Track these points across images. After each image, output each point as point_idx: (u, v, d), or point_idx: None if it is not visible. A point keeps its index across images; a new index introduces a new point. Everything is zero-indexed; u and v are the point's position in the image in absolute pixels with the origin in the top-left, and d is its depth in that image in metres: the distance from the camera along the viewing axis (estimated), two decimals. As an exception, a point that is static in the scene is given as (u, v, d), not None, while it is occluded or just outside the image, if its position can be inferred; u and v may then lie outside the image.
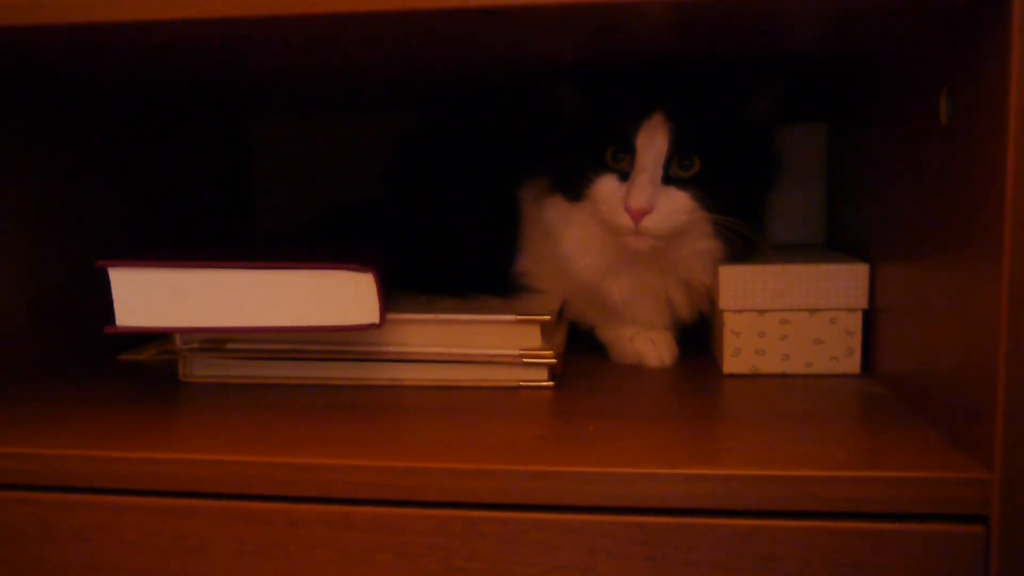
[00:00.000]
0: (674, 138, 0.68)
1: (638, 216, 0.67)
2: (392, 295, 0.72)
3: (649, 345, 0.76)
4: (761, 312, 0.71)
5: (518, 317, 0.69)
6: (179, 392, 0.71)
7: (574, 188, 0.72)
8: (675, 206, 0.69)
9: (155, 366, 0.78)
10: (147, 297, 0.64)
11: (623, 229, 0.69)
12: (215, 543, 0.55)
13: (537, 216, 0.78)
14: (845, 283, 0.70)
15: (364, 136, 1.11)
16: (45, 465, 0.57)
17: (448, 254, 0.84)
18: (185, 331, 0.69)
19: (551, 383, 0.69)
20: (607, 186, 0.70)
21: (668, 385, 0.71)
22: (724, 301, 0.71)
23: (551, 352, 0.69)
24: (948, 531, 0.49)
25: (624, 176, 0.69)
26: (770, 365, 0.71)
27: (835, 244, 0.83)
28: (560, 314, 0.77)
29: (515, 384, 0.70)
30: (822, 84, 0.82)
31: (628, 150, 0.69)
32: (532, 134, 0.80)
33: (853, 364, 0.70)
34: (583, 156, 0.71)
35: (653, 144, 0.68)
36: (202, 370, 0.73)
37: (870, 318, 0.70)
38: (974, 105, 0.51)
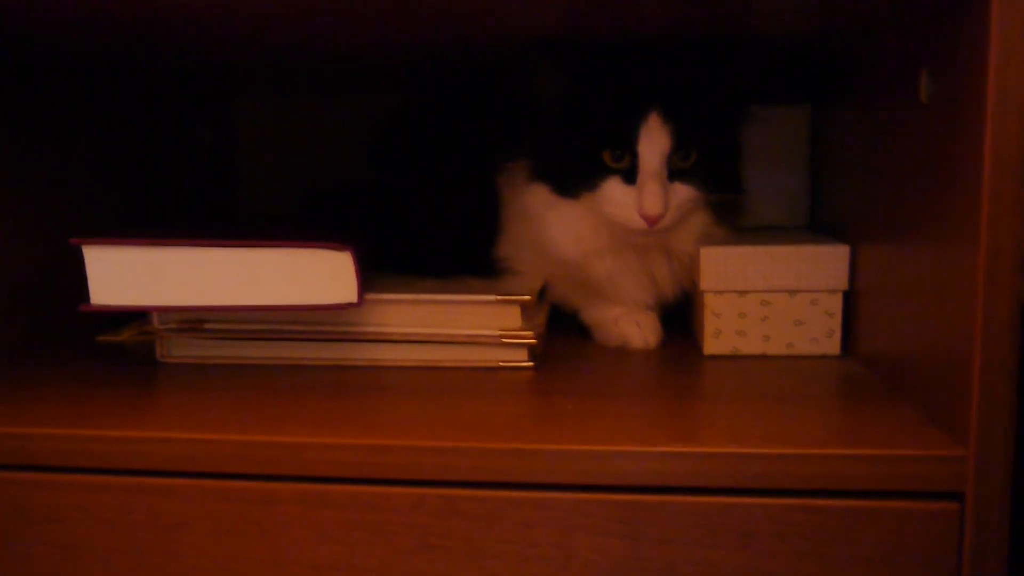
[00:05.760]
0: (674, 137, 0.68)
1: (654, 221, 0.68)
2: (374, 276, 0.72)
3: (634, 327, 0.76)
4: (742, 293, 0.71)
5: (498, 297, 0.68)
6: (156, 372, 0.70)
7: (569, 186, 0.72)
8: (681, 200, 0.70)
9: (133, 347, 0.77)
10: (122, 275, 0.64)
11: (636, 230, 0.69)
12: (191, 522, 0.55)
13: (517, 201, 0.78)
14: (826, 264, 0.70)
15: (348, 118, 1.10)
16: (18, 444, 0.56)
17: (430, 236, 0.84)
18: (161, 310, 0.69)
19: (531, 363, 0.69)
20: (615, 190, 0.69)
21: (648, 366, 0.71)
22: (705, 282, 0.71)
23: (531, 332, 0.69)
24: (923, 508, 0.50)
25: (627, 176, 0.69)
26: (751, 346, 0.71)
27: (817, 227, 0.83)
28: (541, 295, 0.77)
29: (495, 364, 0.69)
30: (805, 65, 0.82)
31: (627, 149, 0.69)
32: (512, 120, 0.79)
33: (833, 345, 0.71)
34: (577, 154, 0.71)
35: (655, 146, 0.68)
36: (180, 350, 0.73)
37: (850, 299, 0.70)
38: (954, 84, 0.51)
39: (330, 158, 1.11)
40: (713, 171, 0.71)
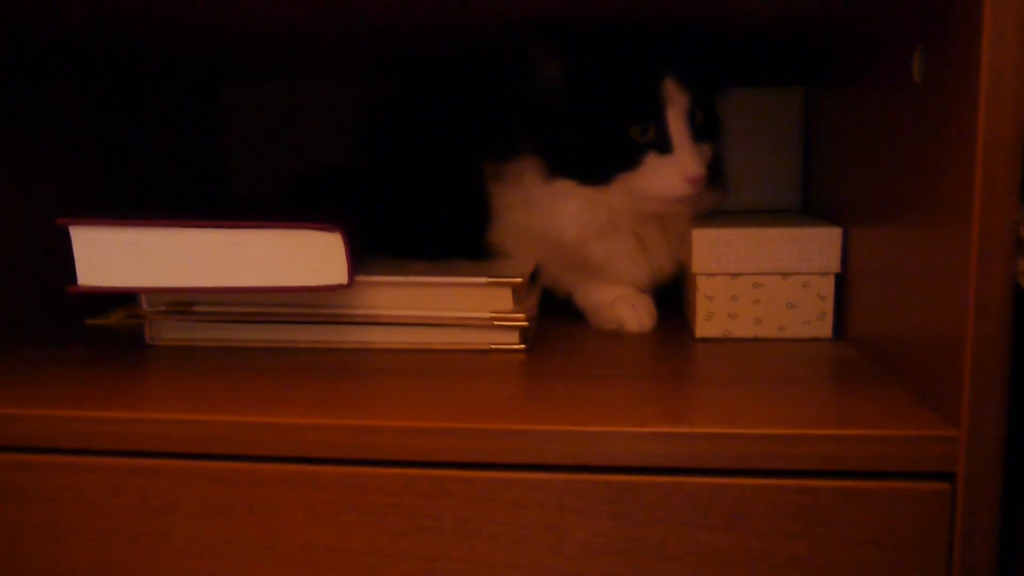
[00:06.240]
0: (689, 99, 0.70)
1: (700, 181, 0.69)
2: (364, 259, 0.72)
3: (630, 309, 0.76)
4: (734, 276, 0.71)
5: (489, 279, 0.68)
6: (145, 355, 0.70)
7: (601, 173, 0.71)
8: (707, 157, 0.72)
9: (122, 330, 0.77)
10: (110, 257, 0.63)
11: (680, 198, 0.70)
12: (180, 503, 0.55)
13: (517, 192, 0.76)
14: (818, 247, 0.69)
15: (338, 101, 1.09)
16: (7, 425, 0.56)
17: (421, 220, 0.83)
18: (149, 291, 0.68)
19: (522, 346, 0.69)
20: (654, 163, 0.70)
21: (640, 349, 0.71)
22: (697, 264, 0.71)
23: (523, 315, 0.68)
24: (915, 488, 0.49)
25: (659, 147, 0.70)
26: (742, 329, 0.71)
27: (810, 209, 0.83)
28: (533, 278, 0.77)
29: (486, 347, 0.69)
30: (797, 46, 0.82)
31: (651, 120, 0.70)
32: (508, 113, 0.77)
33: (825, 328, 0.70)
34: (604, 139, 0.70)
35: (679, 111, 0.70)
36: (169, 333, 0.72)
37: (843, 282, 0.70)
38: (947, 63, 0.51)
39: (320, 141, 1.11)
40: (713, 130, 0.74)
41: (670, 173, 0.69)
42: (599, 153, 0.71)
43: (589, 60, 0.71)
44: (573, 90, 0.71)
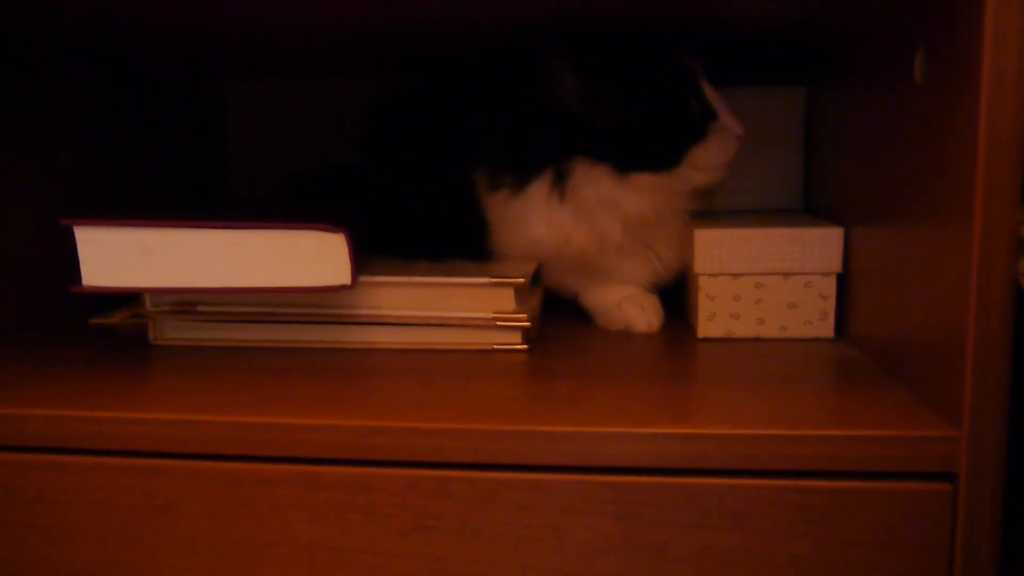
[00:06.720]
0: (703, 70, 0.74)
1: (744, 139, 0.73)
2: (367, 259, 0.72)
3: (638, 310, 0.76)
4: (736, 276, 0.71)
5: (492, 280, 0.68)
6: (149, 355, 0.70)
7: (673, 156, 0.71)
8: None
9: (125, 330, 0.77)
10: (114, 257, 0.63)
11: (731, 160, 0.73)
12: (183, 503, 0.55)
13: (538, 204, 0.74)
14: (820, 247, 0.69)
15: (342, 100, 1.09)
16: (10, 425, 0.56)
17: (422, 220, 0.83)
18: (153, 291, 0.69)
19: (525, 346, 0.69)
20: (713, 130, 0.72)
21: (642, 349, 0.71)
22: (699, 265, 0.71)
23: (525, 315, 0.69)
24: (916, 489, 0.49)
25: (707, 116, 0.72)
26: (744, 329, 0.71)
27: (811, 209, 0.83)
28: (536, 278, 0.77)
29: (488, 348, 0.69)
30: (799, 46, 0.82)
31: (691, 94, 0.72)
32: (534, 132, 0.75)
33: (827, 328, 0.70)
34: (665, 124, 0.71)
35: (704, 80, 0.73)
36: (172, 333, 0.72)
37: (845, 282, 0.70)
38: (948, 64, 0.51)
39: (323, 140, 1.11)
40: None
41: (726, 135, 0.72)
42: (669, 136, 0.72)
43: (610, 60, 0.71)
44: (613, 91, 0.71)
